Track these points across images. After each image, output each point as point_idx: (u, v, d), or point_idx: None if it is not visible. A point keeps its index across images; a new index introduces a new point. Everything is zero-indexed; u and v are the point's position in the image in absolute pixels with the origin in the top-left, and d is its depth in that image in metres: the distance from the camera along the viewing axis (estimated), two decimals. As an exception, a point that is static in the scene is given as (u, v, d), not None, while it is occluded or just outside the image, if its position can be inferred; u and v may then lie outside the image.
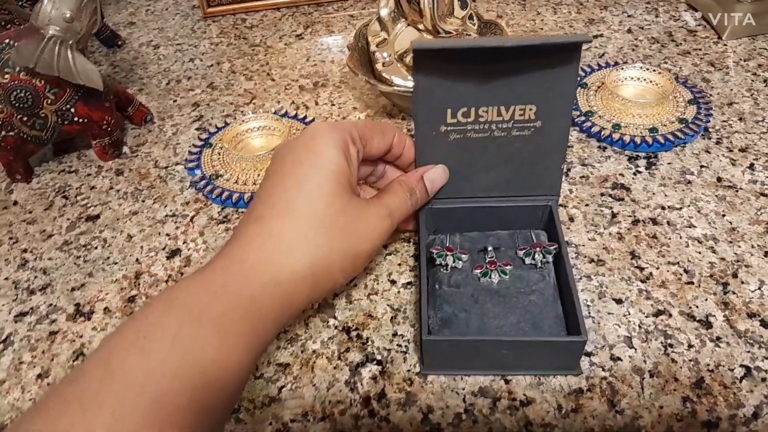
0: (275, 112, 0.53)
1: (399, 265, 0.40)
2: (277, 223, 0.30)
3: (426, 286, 0.35)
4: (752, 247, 0.39)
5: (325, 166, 0.31)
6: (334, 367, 0.35)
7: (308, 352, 0.35)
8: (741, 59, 0.54)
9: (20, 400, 0.34)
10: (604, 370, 0.33)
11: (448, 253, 0.37)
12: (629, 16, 0.62)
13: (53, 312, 0.39)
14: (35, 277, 0.42)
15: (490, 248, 0.38)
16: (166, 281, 0.40)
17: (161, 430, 0.22)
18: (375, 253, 0.33)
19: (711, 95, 0.51)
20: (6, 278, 0.42)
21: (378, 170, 0.38)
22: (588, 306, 0.36)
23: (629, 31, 0.60)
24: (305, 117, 0.52)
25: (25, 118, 0.45)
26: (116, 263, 0.42)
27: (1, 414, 0.34)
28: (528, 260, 0.37)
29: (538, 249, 0.37)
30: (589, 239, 0.40)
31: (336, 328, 0.37)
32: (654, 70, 0.49)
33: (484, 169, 0.37)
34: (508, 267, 0.37)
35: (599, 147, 0.47)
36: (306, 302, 0.30)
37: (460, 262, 0.37)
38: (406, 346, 0.35)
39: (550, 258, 0.37)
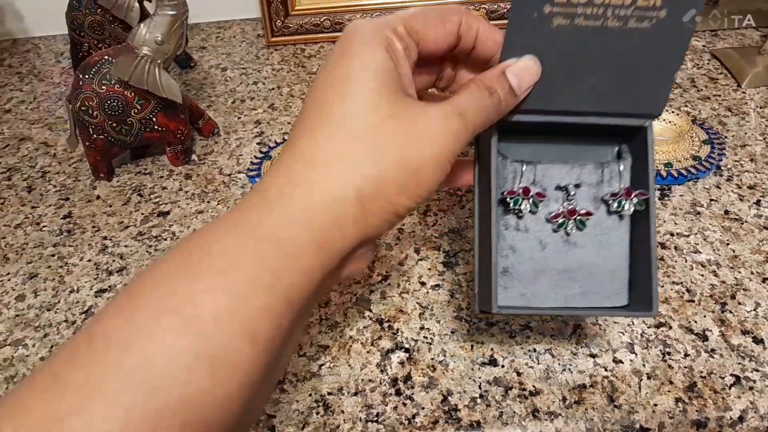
0: (327, 132, 0.59)
1: (429, 269, 0.45)
2: (306, 142, 0.25)
3: (495, 229, 0.31)
4: (752, 273, 0.43)
5: (363, 67, 0.25)
6: (368, 352, 0.40)
7: (345, 338, 0.41)
8: (758, 106, 0.59)
9: (100, 359, 0.40)
10: (606, 370, 0.37)
11: (524, 197, 0.32)
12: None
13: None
14: (113, 260, 0.48)
15: (572, 189, 0.32)
16: (226, 270, 0.46)
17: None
18: (445, 164, 0.26)
19: (726, 137, 0.55)
20: (89, 260, 0.49)
21: (446, 73, 0.32)
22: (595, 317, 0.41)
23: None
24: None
25: (114, 124, 0.53)
26: (183, 253, 0.48)
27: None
28: (615, 207, 0.32)
29: (630, 198, 0.32)
30: (602, 257, 0.45)
31: (371, 319, 0.42)
32: (673, 112, 0.54)
33: (585, 72, 0.29)
34: (589, 217, 0.32)
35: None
36: (355, 234, 0.24)
37: (537, 207, 0.32)
38: (431, 338, 0.40)
39: (640, 208, 0.32)
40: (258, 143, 0.60)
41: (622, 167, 0.32)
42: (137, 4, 0.61)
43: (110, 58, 0.51)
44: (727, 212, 0.48)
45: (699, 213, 0.48)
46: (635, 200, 0.32)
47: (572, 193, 0.32)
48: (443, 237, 0.48)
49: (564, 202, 0.33)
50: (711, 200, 0.49)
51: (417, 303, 0.43)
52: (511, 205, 0.32)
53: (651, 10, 0.28)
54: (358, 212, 0.24)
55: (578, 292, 0.33)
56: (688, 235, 0.46)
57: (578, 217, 0.32)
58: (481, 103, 0.27)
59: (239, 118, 0.64)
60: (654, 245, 0.31)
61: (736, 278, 0.42)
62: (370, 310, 0.42)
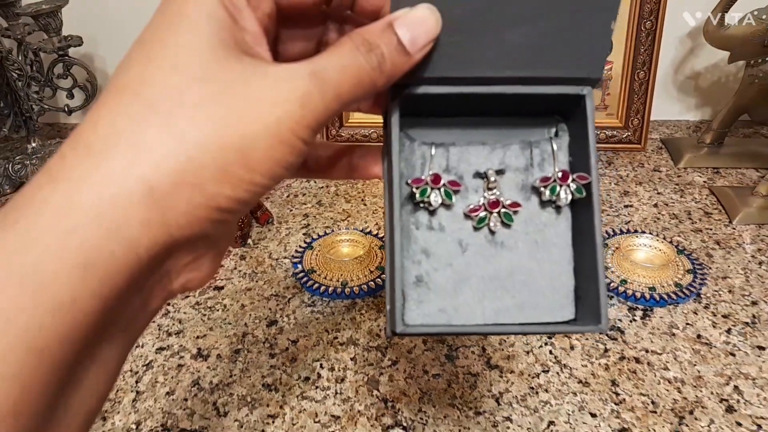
0: (362, 230, 0.69)
1: (433, 360, 0.53)
2: (89, 123, 0.19)
3: (398, 227, 0.25)
4: (711, 393, 0.49)
5: (181, 17, 0.20)
6: (371, 426, 0.47)
7: (354, 411, 0.49)
8: (745, 242, 0.66)
9: (152, 407, 0.50)
10: (570, 463, 0.44)
11: (434, 186, 0.27)
12: (658, 193, 0.75)
13: (182, 351, 0.55)
14: (173, 324, 0.59)
15: (492, 174, 0.27)
16: (263, 342, 0.56)
17: None
18: (288, 138, 0.20)
19: (710, 268, 0.62)
20: (154, 321, 0.59)
21: (330, 37, 0.26)
22: (569, 414, 0.48)
23: (655, 205, 0.73)
24: (384, 236, 0.68)
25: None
26: (230, 324, 0.58)
27: (138, 414, 0.49)
28: (548, 195, 0.27)
29: (566, 183, 0.27)
30: (582, 365, 0.52)
31: (377, 397, 0.50)
32: (661, 240, 0.62)
33: (501, 26, 0.23)
34: (516, 210, 0.27)
35: (608, 295, 0.59)
36: (149, 242, 0.18)
37: (451, 199, 0.27)
38: (426, 420, 0.48)
39: (580, 195, 0.27)
40: (304, 234, 0.71)
41: (556, 147, 0.27)
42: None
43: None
44: (699, 336, 0.54)
45: (674, 335, 0.54)
46: (573, 186, 0.26)
47: (493, 180, 0.27)
48: (403, 339, 0.56)
49: (485, 192, 0.27)
50: (687, 324, 0.56)
51: (419, 388, 0.50)
52: (418, 196, 0.26)
53: None
54: (150, 212, 0.18)
55: (512, 304, 0.27)
56: (660, 353, 0.53)
57: (503, 210, 0.27)
58: (352, 61, 0.21)
59: (291, 210, 0.75)
60: (599, 241, 0.25)
61: (696, 396, 0.49)
62: (378, 390, 0.50)
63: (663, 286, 0.58)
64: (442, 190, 0.26)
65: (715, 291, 0.59)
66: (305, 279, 0.62)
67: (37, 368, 0.16)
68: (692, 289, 0.58)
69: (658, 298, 0.57)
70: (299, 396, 0.50)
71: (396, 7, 0.22)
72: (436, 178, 0.27)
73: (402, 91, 0.25)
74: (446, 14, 0.23)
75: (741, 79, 0.76)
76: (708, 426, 0.46)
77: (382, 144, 0.27)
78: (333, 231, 0.69)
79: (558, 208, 0.28)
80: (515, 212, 0.27)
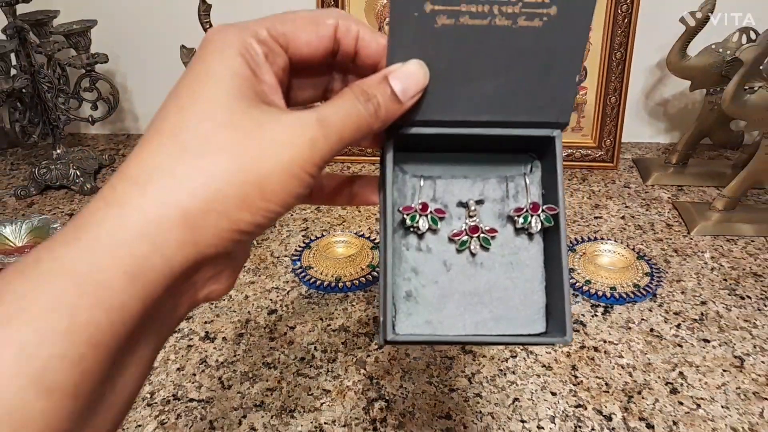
0: (356, 233, 0.76)
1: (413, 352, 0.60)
2: (134, 158, 0.23)
3: (390, 248, 0.29)
4: (658, 377, 0.55)
5: (209, 74, 0.23)
6: (358, 398, 0.54)
7: (343, 386, 0.55)
8: (700, 251, 0.73)
9: (165, 380, 0.56)
10: (530, 432, 0.51)
11: (422, 213, 0.30)
12: (626, 206, 0.82)
13: (191, 334, 0.62)
14: (184, 311, 0.65)
15: (472, 204, 0.31)
16: (264, 328, 0.62)
17: None
18: (299, 174, 0.24)
19: (667, 272, 0.69)
20: (166, 308, 0.66)
21: (335, 85, 0.30)
22: (532, 393, 0.54)
23: (623, 217, 0.80)
24: (375, 239, 0.75)
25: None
26: (235, 312, 0.65)
27: (152, 386, 0.56)
28: (521, 223, 0.31)
29: (536, 214, 0.31)
30: (546, 352, 0.59)
31: (364, 375, 0.56)
32: (623, 247, 0.69)
33: (479, 76, 0.27)
34: (494, 235, 0.31)
35: (573, 294, 0.66)
36: (183, 258, 0.22)
37: (437, 224, 0.31)
38: (406, 395, 0.54)
39: (549, 224, 0.31)
40: (303, 235, 0.78)
41: (528, 181, 0.31)
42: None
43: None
44: (651, 330, 0.61)
45: (630, 328, 0.61)
46: (543, 216, 0.30)
47: (473, 209, 0.31)
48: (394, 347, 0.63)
49: (467, 219, 0.31)
50: (642, 320, 0.62)
51: (401, 368, 0.57)
52: (408, 222, 0.30)
53: (540, 7, 0.26)
54: (184, 233, 0.22)
55: (489, 317, 0.31)
56: (617, 344, 0.59)
57: (482, 235, 0.30)
58: (352, 109, 0.25)
59: (291, 214, 0.83)
60: (565, 264, 0.29)
61: (645, 380, 0.55)
62: (365, 369, 0.57)
63: (623, 287, 0.65)
64: (429, 216, 0.31)
65: (670, 292, 0.66)
66: (303, 274, 0.69)
67: (94, 358, 0.20)
68: (649, 289, 0.65)
69: (618, 297, 0.64)
70: (295, 373, 0.57)
71: (391, 62, 0.26)
72: (424, 207, 0.31)
73: (396, 132, 0.29)
74: (433, 67, 0.27)
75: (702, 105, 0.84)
76: (653, 404, 0.53)
77: (378, 176, 0.31)
78: (329, 233, 0.76)
79: (530, 235, 0.31)
80: (493, 237, 0.31)
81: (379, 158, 0.31)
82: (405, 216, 0.30)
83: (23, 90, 0.83)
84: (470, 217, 0.31)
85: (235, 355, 0.59)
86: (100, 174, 0.94)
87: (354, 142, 0.26)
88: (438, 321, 0.31)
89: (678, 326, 0.62)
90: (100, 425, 0.21)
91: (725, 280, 0.68)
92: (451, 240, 0.31)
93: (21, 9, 0.82)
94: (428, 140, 0.30)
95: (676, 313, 0.63)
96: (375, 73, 0.26)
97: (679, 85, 0.91)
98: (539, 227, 0.31)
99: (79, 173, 0.88)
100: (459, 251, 0.31)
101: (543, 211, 0.31)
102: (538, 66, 0.27)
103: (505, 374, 0.56)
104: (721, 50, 0.77)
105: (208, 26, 0.77)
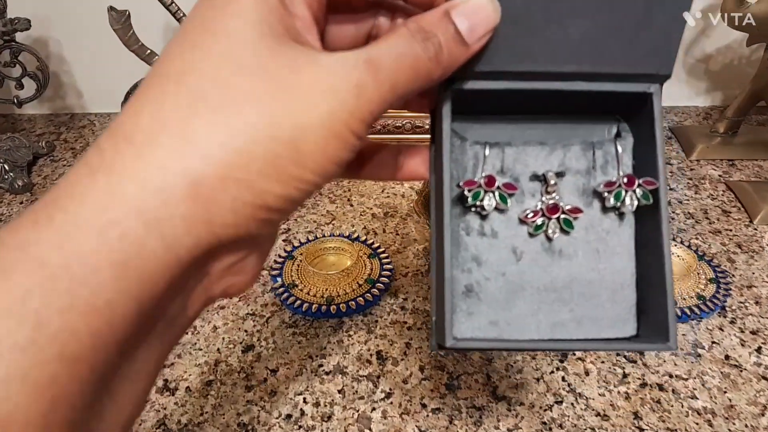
0: (349, 236, 0.62)
1: (431, 390, 0.47)
2: (131, 112, 0.18)
3: (448, 232, 0.24)
4: (746, 426, 0.43)
5: (234, 6, 0.18)
6: (364, 472, 0.41)
7: (344, 455, 0.43)
8: (768, 244, 0.60)
9: (113, 454, 0.43)
10: None
11: (488, 189, 0.25)
12: (671, 189, 0.69)
13: (146, 382, 0.49)
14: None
15: (551, 177, 0.25)
16: (239, 372, 0.49)
17: None
18: (342, 132, 0.19)
19: (733, 275, 0.56)
20: (114, 347, 0.52)
21: (381, 23, 0.24)
22: (588, 456, 0.42)
23: (669, 203, 0.67)
24: (373, 243, 0.61)
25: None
26: (201, 350, 0.51)
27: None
28: (612, 201, 0.25)
29: (632, 189, 0.25)
30: (599, 394, 0.46)
31: (370, 437, 0.44)
32: (682, 245, 0.56)
33: (563, 16, 0.22)
34: (577, 216, 0.25)
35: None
36: (192, 241, 0.17)
37: (506, 203, 0.25)
38: (426, 464, 0.42)
39: (647, 202, 0.25)
40: (284, 240, 0.64)
41: (620, 149, 0.25)
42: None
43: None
44: (727, 357, 0.49)
45: (699, 355, 0.49)
46: (639, 191, 0.24)
47: (553, 183, 0.25)
48: (448, 355, 0.50)
49: (543, 195, 0.25)
50: (713, 342, 0.50)
51: (416, 426, 0.44)
52: (470, 200, 0.25)
53: None
54: (194, 208, 0.17)
55: (569, 318, 0.25)
56: (686, 379, 0.47)
57: (563, 216, 0.25)
58: (408, 50, 0.20)
59: (269, 213, 0.68)
60: (668, 252, 0.24)
61: (730, 430, 0.43)
62: (370, 429, 0.44)
63: (684, 299, 0.53)
64: (497, 193, 0.25)
65: (741, 303, 0.54)
66: (286, 295, 0.55)
67: (70, 378, 0.15)
68: (716, 301, 0.52)
69: (680, 313, 0.51)
70: (280, 438, 0.44)
71: None
72: (490, 180, 0.25)
73: (454, 86, 0.23)
74: (505, 3, 0.21)
75: (757, 62, 0.70)
76: (745, 467, 0.41)
77: (429, 144, 0.26)
78: (317, 238, 0.62)
79: (621, 215, 0.26)
80: (575, 218, 0.25)
81: (429, 122, 0.26)
82: (466, 192, 0.25)
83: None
84: (548, 193, 0.25)
85: (202, 414, 0.46)
86: (36, 166, 0.78)
87: (408, 93, 0.20)
88: (506, 322, 0.26)
89: (758, 350, 0.49)
90: None
91: (806, 283, 0.56)
92: (522, 222, 0.26)
93: None
94: (495, 98, 0.24)
95: (753, 333, 0.51)
96: (435, 9, 0.21)
97: (724, 37, 0.77)
98: (635, 206, 0.25)
99: (7, 167, 0.72)
100: (532, 236, 0.26)
101: (640, 185, 0.25)
102: (638, 3, 0.22)
103: (550, 429, 0.44)
104: (789, -5, 0.62)
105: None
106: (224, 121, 0.17)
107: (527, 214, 0.25)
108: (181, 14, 0.66)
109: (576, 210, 0.25)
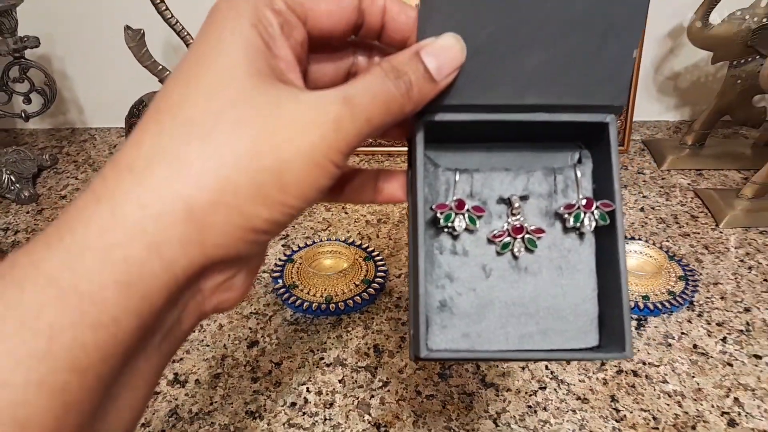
0: (345, 240, 0.66)
1: (425, 379, 0.51)
2: (131, 144, 0.20)
3: (423, 251, 0.26)
4: (712, 407, 0.48)
5: (218, 44, 0.20)
6: (364, 453, 0.45)
7: (346, 438, 0.46)
8: (732, 246, 0.65)
9: (130, 440, 0.46)
10: (574, 488, 0.42)
11: (458, 212, 0.27)
12: (644, 196, 0.74)
13: (157, 376, 0.52)
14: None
15: (516, 200, 0.27)
16: (245, 365, 0.52)
17: None
18: (322, 162, 0.21)
19: (701, 274, 0.61)
20: (125, 345, 0.55)
21: (359, 62, 0.27)
22: (570, 434, 0.46)
23: (642, 209, 0.72)
24: (368, 247, 0.65)
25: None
26: (209, 346, 0.55)
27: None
28: (572, 222, 0.27)
29: (590, 210, 0.27)
30: (579, 380, 0.50)
31: (369, 423, 0.47)
32: (652, 247, 0.60)
33: (522, 53, 0.24)
34: (540, 236, 0.27)
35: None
36: (187, 260, 0.19)
37: (475, 224, 0.27)
38: (421, 444, 0.45)
39: (604, 222, 0.27)
40: (283, 245, 0.67)
41: (579, 174, 0.28)
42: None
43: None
44: (695, 346, 0.53)
45: (670, 345, 0.53)
46: (597, 213, 0.27)
47: (517, 205, 0.27)
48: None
49: (509, 217, 0.27)
50: (682, 333, 0.54)
51: (412, 411, 0.48)
52: (442, 221, 0.27)
53: None
54: (189, 231, 0.19)
55: (535, 330, 0.27)
56: (658, 365, 0.51)
57: (527, 236, 0.27)
58: (381, 87, 0.21)
59: (268, 220, 0.72)
60: (623, 268, 0.26)
61: (698, 410, 0.47)
62: (370, 414, 0.48)
63: (656, 294, 0.57)
64: (467, 215, 0.27)
65: (708, 298, 0.58)
66: (287, 295, 0.59)
67: (80, 386, 0.17)
68: (685, 296, 0.57)
69: (652, 307, 0.56)
70: (286, 424, 0.47)
71: (422, 36, 0.23)
72: (461, 204, 0.27)
73: (426, 118, 0.25)
74: (470, 42, 0.23)
75: (722, 79, 0.75)
76: (711, 442, 0.45)
77: (406, 169, 0.28)
78: (314, 242, 0.66)
79: (581, 235, 0.28)
80: (539, 238, 0.27)
81: (407, 149, 0.27)
82: (438, 214, 0.27)
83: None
84: (513, 215, 0.27)
85: (211, 403, 0.49)
86: (40, 178, 0.81)
87: (383, 126, 0.22)
88: (477, 334, 0.27)
89: (724, 340, 0.54)
90: None
91: (766, 280, 0.60)
92: (490, 241, 0.28)
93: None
94: (463, 128, 0.26)
95: (719, 324, 0.55)
96: (405, 49, 0.23)
97: (691, 56, 0.83)
98: (593, 226, 0.27)
99: (14, 178, 0.75)
100: (500, 254, 0.28)
101: (597, 207, 0.27)
102: (589, 39, 0.24)
103: (535, 411, 0.48)
104: (747, 17, 0.68)
105: (158, 1, 0.65)
106: (213, 150, 0.19)
107: (495, 234, 0.27)
108: (185, 32, 0.70)
109: (539, 230, 0.27)
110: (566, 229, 0.28)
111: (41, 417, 0.16)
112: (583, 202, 0.27)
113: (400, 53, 0.23)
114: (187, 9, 0.68)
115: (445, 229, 0.27)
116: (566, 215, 0.27)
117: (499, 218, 0.28)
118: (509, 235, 0.27)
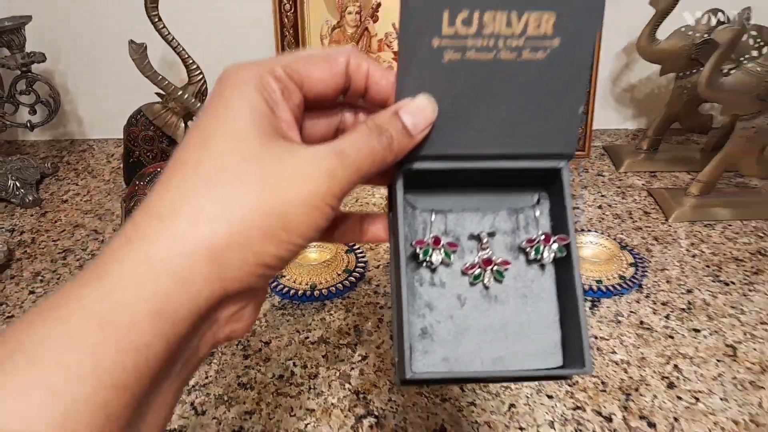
0: (328, 236, 0.72)
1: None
2: (156, 194, 0.23)
3: (405, 284, 0.29)
4: (654, 372, 0.54)
5: (229, 109, 0.24)
6: (345, 416, 0.50)
7: (328, 404, 0.51)
8: (679, 237, 0.72)
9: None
10: (530, 440, 0.48)
11: (435, 247, 0.30)
12: (602, 195, 0.81)
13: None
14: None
15: (484, 236, 0.31)
16: (236, 345, 0.58)
17: None
18: (320, 206, 0.24)
19: (650, 261, 0.68)
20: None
21: (346, 118, 0.31)
22: (528, 397, 0.52)
23: (600, 207, 0.78)
24: (354, 245, 0.71)
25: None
26: (204, 328, 0.60)
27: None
28: (533, 254, 0.31)
29: (548, 244, 0.30)
30: (538, 352, 0.56)
31: (350, 390, 0.53)
32: (606, 238, 0.67)
33: (485, 110, 0.28)
34: (507, 267, 0.31)
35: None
36: (209, 293, 0.22)
37: (450, 258, 0.31)
38: (396, 408, 0.51)
39: (561, 254, 0.30)
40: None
41: (538, 213, 0.31)
42: (183, 125, 0.77)
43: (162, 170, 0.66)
44: (641, 322, 0.59)
45: (619, 322, 0.59)
46: (555, 246, 0.30)
47: (485, 241, 0.31)
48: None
49: (479, 251, 0.31)
50: (630, 312, 0.61)
51: (388, 380, 0.54)
52: (421, 256, 0.30)
53: (543, 40, 0.27)
54: (210, 268, 0.22)
55: (507, 353, 0.30)
56: (608, 339, 0.57)
57: (495, 267, 0.30)
58: (367, 143, 0.25)
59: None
60: (580, 294, 0.29)
61: (641, 376, 0.53)
62: (350, 383, 0.53)
63: (609, 279, 0.63)
64: (442, 250, 0.30)
65: (655, 282, 0.65)
66: (275, 283, 0.64)
67: (118, 402, 0.19)
68: (635, 280, 0.63)
69: (605, 290, 0.62)
70: (274, 392, 0.52)
71: (400, 97, 0.27)
72: (437, 240, 0.30)
73: (405, 167, 0.29)
74: (440, 101, 0.27)
75: (671, 90, 0.83)
76: (652, 401, 0.51)
77: (387, 211, 0.31)
78: (300, 238, 0.72)
79: (542, 266, 0.31)
80: (506, 269, 0.31)
81: (387, 194, 0.31)
82: (418, 250, 0.30)
83: (-50, 95, 0.75)
84: (483, 249, 0.31)
85: (206, 377, 0.54)
86: (43, 184, 0.86)
87: (369, 174, 0.26)
88: (455, 358, 0.30)
89: (667, 317, 0.60)
90: None
91: (708, 266, 0.67)
92: (464, 273, 0.31)
93: (-57, 6, 0.74)
94: (437, 175, 0.30)
95: (663, 304, 0.62)
96: (386, 109, 0.27)
97: (645, 69, 0.91)
98: (552, 258, 0.30)
99: (18, 184, 0.81)
100: (472, 284, 0.31)
101: (555, 241, 0.30)
102: (542, 98, 0.28)
103: (497, 379, 0.53)
104: (690, 33, 0.76)
105: (156, 20, 0.72)
106: (229, 197, 0.22)
107: (467, 267, 0.31)
108: (181, 48, 0.76)
109: (505, 262, 0.31)
110: (529, 261, 0.31)
111: (88, 429, 0.19)
112: (542, 237, 0.30)
113: (381, 112, 0.27)
114: (183, 26, 0.74)
115: (424, 263, 0.31)
116: (528, 248, 0.31)
117: (470, 253, 0.31)
118: (480, 266, 0.31)
